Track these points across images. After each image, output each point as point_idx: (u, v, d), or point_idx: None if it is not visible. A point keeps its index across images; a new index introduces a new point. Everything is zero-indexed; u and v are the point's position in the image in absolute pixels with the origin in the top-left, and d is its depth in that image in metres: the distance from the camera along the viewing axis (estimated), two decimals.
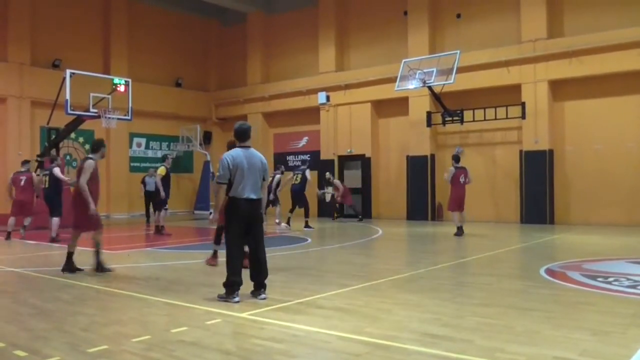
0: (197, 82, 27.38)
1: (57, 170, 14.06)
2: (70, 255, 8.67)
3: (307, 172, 17.02)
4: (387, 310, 5.95)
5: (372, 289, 7.21)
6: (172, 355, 4.44)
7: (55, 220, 13.60)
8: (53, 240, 13.21)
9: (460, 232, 14.33)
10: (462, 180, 14.52)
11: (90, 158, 8.98)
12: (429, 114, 19.97)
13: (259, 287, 6.68)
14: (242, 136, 6.78)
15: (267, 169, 6.88)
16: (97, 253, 8.66)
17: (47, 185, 14.12)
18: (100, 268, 8.59)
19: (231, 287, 6.43)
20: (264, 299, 6.54)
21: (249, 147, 6.79)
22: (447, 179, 14.77)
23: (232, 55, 27.34)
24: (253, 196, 6.59)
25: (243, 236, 6.66)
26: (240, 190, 6.53)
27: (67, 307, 6.34)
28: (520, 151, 18.50)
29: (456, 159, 14.83)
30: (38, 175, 15.54)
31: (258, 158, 6.77)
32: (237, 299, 6.37)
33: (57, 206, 13.81)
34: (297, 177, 16.91)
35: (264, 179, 6.81)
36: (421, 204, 20.24)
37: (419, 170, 20.29)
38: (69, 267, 8.64)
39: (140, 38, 24.93)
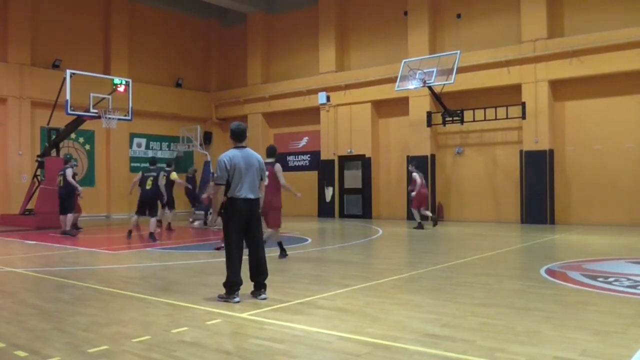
0: (198, 82, 27.40)
1: (69, 172, 14.81)
2: None
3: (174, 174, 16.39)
4: (388, 311, 5.95)
5: (372, 289, 7.21)
6: (173, 356, 4.43)
7: (69, 216, 14.77)
8: (65, 233, 14.45)
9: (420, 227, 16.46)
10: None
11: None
12: (429, 114, 19.97)
13: (259, 287, 6.71)
14: (238, 137, 6.81)
15: (264, 168, 6.94)
16: None
17: (61, 185, 14.86)
18: None
19: (231, 287, 6.47)
20: (265, 299, 6.57)
21: (245, 147, 6.82)
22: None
23: (232, 55, 27.36)
24: (251, 196, 6.64)
25: (242, 236, 6.69)
26: (238, 191, 6.57)
27: (68, 307, 6.33)
28: (521, 151, 18.50)
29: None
30: (38, 175, 15.77)
31: (255, 158, 6.80)
32: (237, 299, 6.40)
33: (70, 204, 14.84)
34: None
35: (261, 179, 6.87)
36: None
37: (420, 170, 20.20)
38: None
39: (140, 38, 24.94)
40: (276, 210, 9.85)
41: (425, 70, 18.42)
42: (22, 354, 4.53)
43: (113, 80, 18.60)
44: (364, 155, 22.02)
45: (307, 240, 13.64)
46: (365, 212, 21.64)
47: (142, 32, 25.03)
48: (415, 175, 16.85)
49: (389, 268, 9.31)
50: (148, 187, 13.72)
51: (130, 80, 18.61)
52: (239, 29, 26.74)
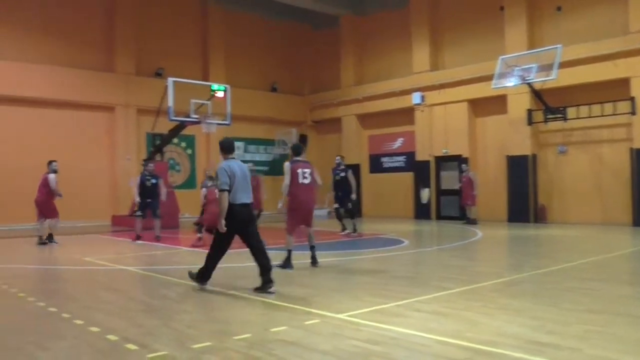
0: (292, 86, 27.86)
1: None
2: None
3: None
4: (488, 315, 5.78)
5: (471, 293, 7.03)
6: (272, 354, 4.53)
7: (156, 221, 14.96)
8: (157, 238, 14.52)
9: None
10: None
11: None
12: (529, 111, 19.23)
13: (269, 281, 7.23)
14: (228, 149, 7.58)
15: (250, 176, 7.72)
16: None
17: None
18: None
19: (203, 276, 7.48)
20: (274, 292, 7.12)
21: (234, 158, 7.57)
22: None
23: (325, 58, 27.60)
24: (247, 201, 7.38)
25: (231, 241, 7.41)
26: (236, 197, 7.25)
27: (173, 305, 6.63)
28: (631, 149, 17.39)
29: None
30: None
31: (245, 167, 7.61)
32: (204, 286, 7.43)
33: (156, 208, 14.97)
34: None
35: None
36: (523, 206, 19.50)
37: (520, 170, 19.57)
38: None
39: (236, 45, 25.68)
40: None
41: (523, 67, 17.76)
42: (132, 347, 4.78)
43: (212, 86, 19.21)
44: (460, 155, 21.53)
45: (403, 242, 13.50)
46: (463, 214, 21.16)
47: (238, 39, 25.77)
48: (473, 174, 19.21)
49: (488, 271, 9.06)
50: None
51: (228, 86, 19.17)
52: (331, 32, 26.94)
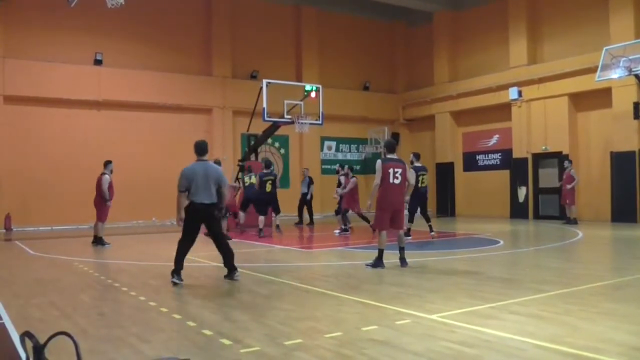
0: (385, 84, 27.71)
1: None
2: None
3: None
4: (589, 320, 5.49)
5: (571, 296, 6.70)
6: (363, 353, 4.52)
7: (261, 218, 15.57)
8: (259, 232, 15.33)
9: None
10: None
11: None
12: (636, 104, 18.08)
13: (231, 269, 8.16)
14: (198, 151, 8.27)
15: (220, 177, 8.21)
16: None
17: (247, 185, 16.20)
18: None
19: (175, 269, 7.89)
20: (238, 278, 8.06)
21: (206, 160, 8.29)
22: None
23: (418, 55, 27.25)
24: (206, 201, 8.00)
25: (196, 231, 8.13)
26: (197, 196, 7.96)
27: (266, 301, 6.77)
28: None
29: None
30: (240, 179, 17.05)
31: (213, 169, 8.20)
32: (175, 279, 7.81)
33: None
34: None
35: (220, 186, 8.14)
36: (628, 205, 18.38)
37: (626, 167, 18.45)
38: None
39: (329, 45, 25.87)
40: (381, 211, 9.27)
41: (630, 57, 16.75)
42: (227, 342, 4.93)
43: (305, 87, 19.45)
44: (560, 152, 20.59)
45: (498, 242, 13.08)
46: (563, 213, 20.23)
47: (330, 39, 25.94)
48: (574, 172, 18.32)
49: (590, 274, 8.62)
50: (268, 189, 15.23)
51: (320, 86, 19.33)
52: (424, 28, 26.56)
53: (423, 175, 14.00)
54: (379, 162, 9.21)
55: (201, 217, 8.10)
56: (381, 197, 9.12)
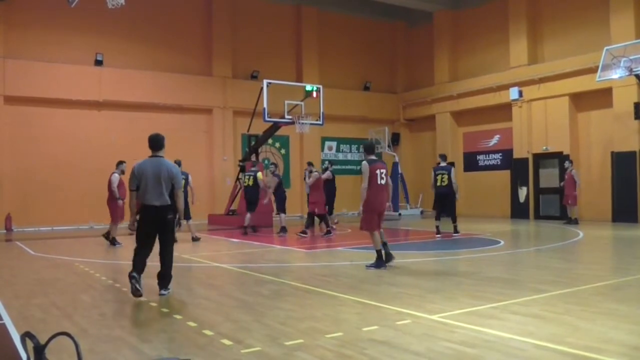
0: (385, 84, 27.71)
1: (259, 174, 16.20)
2: None
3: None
4: (590, 320, 5.49)
5: (572, 296, 6.70)
6: (364, 353, 4.52)
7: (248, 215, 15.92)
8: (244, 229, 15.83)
9: None
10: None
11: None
12: (636, 105, 18.08)
13: (160, 286, 7.18)
14: (154, 146, 7.30)
15: (174, 176, 7.16)
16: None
17: (250, 184, 16.28)
18: None
19: (130, 279, 6.90)
20: (163, 295, 7.08)
21: (160, 157, 7.26)
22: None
23: (418, 55, 27.25)
24: (156, 203, 7.04)
25: (150, 237, 7.14)
26: (145, 198, 7.04)
27: (267, 302, 6.77)
28: None
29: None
30: (240, 178, 17.07)
31: (165, 167, 7.14)
32: (133, 286, 6.84)
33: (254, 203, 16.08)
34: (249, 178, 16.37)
35: (174, 187, 7.16)
36: (629, 205, 18.37)
37: (626, 167, 18.44)
38: None
39: (329, 45, 25.87)
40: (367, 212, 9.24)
41: (631, 57, 16.74)
42: (227, 342, 4.93)
43: (305, 87, 19.47)
44: (561, 152, 20.59)
45: (499, 242, 13.08)
46: (563, 214, 20.22)
47: (330, 39, 25.94)
48: (575, 172, 18.35)
49: (591, 274, 8.61)
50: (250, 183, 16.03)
51: (321, 86, 19.34)
52: (425, 28, 26.55)
53: (442, 174, 14.28)
54: (365, 163, 9.17)
55: (152, 221, 7.11)
56: (370, 199, 9.13)
